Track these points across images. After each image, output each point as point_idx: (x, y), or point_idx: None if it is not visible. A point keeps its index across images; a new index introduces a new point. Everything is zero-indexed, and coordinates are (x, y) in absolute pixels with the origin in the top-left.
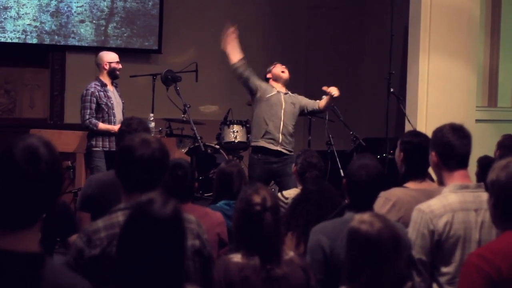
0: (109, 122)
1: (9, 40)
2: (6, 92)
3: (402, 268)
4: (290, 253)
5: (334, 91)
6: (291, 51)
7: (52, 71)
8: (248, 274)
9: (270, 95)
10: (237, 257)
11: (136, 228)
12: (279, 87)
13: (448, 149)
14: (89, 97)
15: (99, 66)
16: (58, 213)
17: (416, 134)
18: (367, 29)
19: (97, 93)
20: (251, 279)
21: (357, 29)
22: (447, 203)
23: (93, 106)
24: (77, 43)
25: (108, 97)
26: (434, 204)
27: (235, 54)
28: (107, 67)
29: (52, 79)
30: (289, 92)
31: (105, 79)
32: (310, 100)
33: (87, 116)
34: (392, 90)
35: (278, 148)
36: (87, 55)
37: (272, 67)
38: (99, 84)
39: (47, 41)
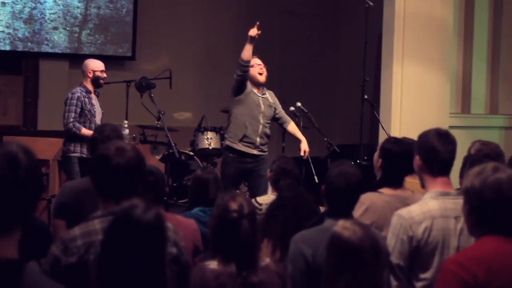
0: (90, 129)
1: None
2: None
3: (380, 278)
4: (266, 260)
5: (305, 153)
6: (265, 58)
7: (26, 78)
8: (225, 281)
9: (250, 97)
10: (213, 264)
11: (118, 233)
12: (256, 89)
13: (433, 154)
14: (74, 101)
15: (83, 73)
16: (35, 232)
17: (397, 142)
18: (341, 36)
19: (82, 98)
20: (227, 286)
21: (331, 36)
22: (427, 210)
23: (78, 110)
24: (50, 50)
25: (92, 104)
26: (414, 210)
27: (250, 52)
28: (91, 75)
29: (26, 86)
30: (266, 93)
31: (89, 86)
32: (284, 114)
33: (71, 119)
34: (366, 97)
35: (255, 151)
36: (60, 62)
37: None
38: (84, 90)
39: (20, 48)
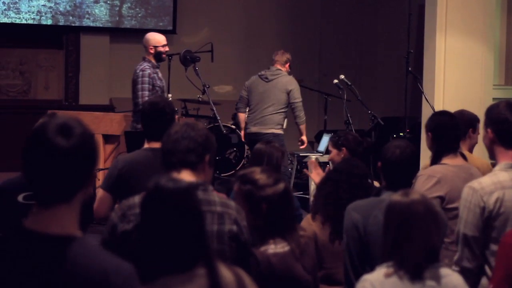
0: None
1: (24, 21)
2: (21, 74)
3: (437, 243)
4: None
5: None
6: (306, 31)
7: (67, 52)
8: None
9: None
10: (271, 248)
11: (150, 203)
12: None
13: (506, 125)
14: (147, 79)
15: (146, 48)
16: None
17: (441, 113)
18: (382, 8)
19: (153, 75)
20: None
21: (373, 8)
22: (498, 181)
23: (150, 88)
24: (91, 24)
25: (161, 80)
26: (485, 181)
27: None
28: (152, 51)
29: (67, 60)
30: None
31: (153, 61)
32: None
33: (146, 98)
34: (410, 69)
35: None
36: (101, 36)
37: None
38: (150, 66)
39: (61, 22)
